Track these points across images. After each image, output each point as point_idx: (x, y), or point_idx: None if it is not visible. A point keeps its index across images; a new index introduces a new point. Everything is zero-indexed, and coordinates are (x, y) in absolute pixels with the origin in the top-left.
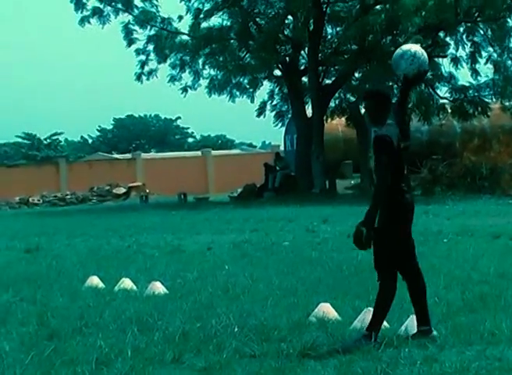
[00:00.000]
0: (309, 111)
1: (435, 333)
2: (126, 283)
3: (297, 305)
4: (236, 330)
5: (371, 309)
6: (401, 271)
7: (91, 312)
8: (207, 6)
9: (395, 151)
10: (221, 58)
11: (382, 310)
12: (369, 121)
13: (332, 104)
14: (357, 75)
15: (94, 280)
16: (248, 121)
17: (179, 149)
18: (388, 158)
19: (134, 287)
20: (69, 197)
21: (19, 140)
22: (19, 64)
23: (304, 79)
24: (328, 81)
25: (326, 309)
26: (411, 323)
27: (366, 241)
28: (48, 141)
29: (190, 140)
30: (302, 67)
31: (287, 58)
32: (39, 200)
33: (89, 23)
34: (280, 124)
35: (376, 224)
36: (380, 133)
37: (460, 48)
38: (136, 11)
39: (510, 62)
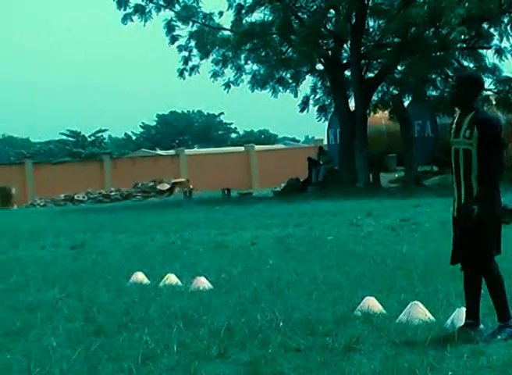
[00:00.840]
0: (352, 104)
1: (481, 326)
2: (171, 278)
3: (342, 299)
4: (281, 324)
5: (417, 303)
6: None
7: (137, 307)
8: (248, 2)
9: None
10: (263, 53)
11: (501, 294)
12: (460, 105)
13: (374, 97)
14: (399, 68)
15: (139, 276)
16: (291, 116)
17: (222, 145)
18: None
19: (179, 283)
20: (113, 193)
21: (64, 137)
22: (63, 63)
23: (347, 72)
24: (370, 74)
25: (371, 303)
26: (457, 316)
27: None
28: (92, 138)
29: (233, 135)
30: (344, 61)
31: (329, 52)
32: (84, 197)
33: (131, 20)
34: (323, 118)
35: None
36: (492, 116)
37: (505, 39)
38: (177, 7)
39: None
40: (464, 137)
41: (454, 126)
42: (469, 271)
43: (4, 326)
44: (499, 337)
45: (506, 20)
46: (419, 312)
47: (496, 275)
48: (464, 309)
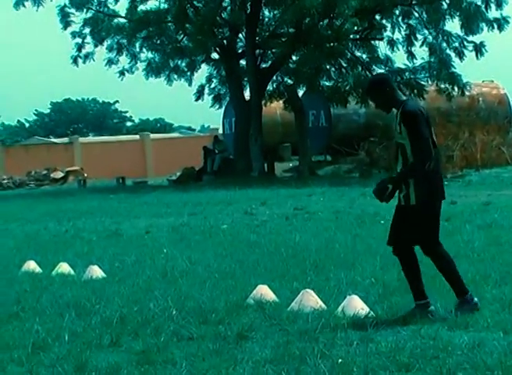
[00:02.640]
0: (247, 94)
1: (432, 307)
2: (64, 267)
3: (235, 288)
4: (174, 313)
5: (309, 291)
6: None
7: (28, 296)
8: None
9: (428, 124)
10: (158, 42)
11: (452, 273)
12: (387, 108)
13: (269, 87)
14: (294, 58)
15: (31, 265)
16: (187, 104)
17: (118, 133)
18: (427, 129)
19: (72, 272)
20: (6, 181)
21: None
22: None
23: (242, 62)
24: (265, 64)
25: (264, 291)
26: (348, 304)
27: (388, 196)
28: None
29: (129, 124)
30: (240, 50)
31: (225, 42)
32: None
33: (23, 5)
34: (218, 107)
35: (414, 200)
36: (410, 107)
37: (396, 30)
38: None
39: (444, 44)
40: (397, 132)
41: (394, 121)
42: (396, 253)
43: None
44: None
45: (397, 12)
46: (311, 299)
47: (440, 256)
48: (354, 297)
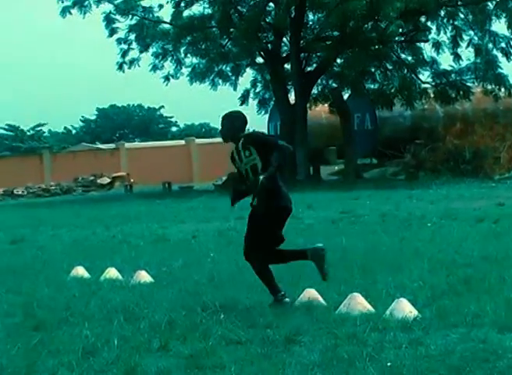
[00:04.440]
0: (292, 98)
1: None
2: (112, 272)
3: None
4: (221, 317)
5: (357, 294)
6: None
7: (77, 302)
8: None
9: None
10: (203, 47)
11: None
12: (232, 139)
13: (314, 90)
14: (339, 61)
15: (80, 271)
16: (231, 109)
17: (163, 138)
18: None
19: (120, 277)
20: (53, 188)
21: (3, 131)
22: (5, 62)
23: (287, 66)
24: (310, 68)
25: (312, 295)
26: (396, 307)
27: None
28: (32, 132)
29: (174, 129)
30: (284, 54)
31: (269, 46)
32: (23, 191)
33: (70, 13)
34: (263, 111)
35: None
36: (252, 132)
37: (442, 32)
38: (117, 0)
39: (490, 45)
40: (246, 156)
41: (236, 155)
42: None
43: None
44: None
45: (442, 13)
46: (358, 303)
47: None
48: (403, 300)
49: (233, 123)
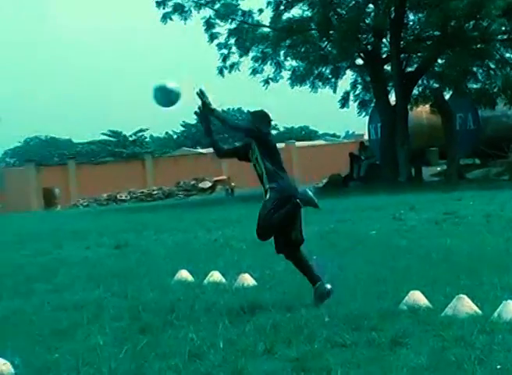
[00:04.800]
0: (392, 99)
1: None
2: (215, 276)
3: (387, 294)
4: (326, 319)
5: (463, 296)
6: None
7: (182, 305)
8: None
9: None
10: (302, 49)
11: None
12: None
13: (415, 91)
14: (440, 61)
15: (184, 274)
16: (331, 111)
17: None
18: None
19: (223, 280)
20: (155, 192)
21: (106, 137)
22: (108, 69)
23: (387, 67)
24: (410, 68)
25: (417, 297)
26: (504, 309)
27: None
28: (134, 137)
29: (274, 132)
30: (384, 55)
31: (369, 47)
32: (126, 196)
33: (171, 19)
34: (364, 113)
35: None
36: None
37: None
38: (217, 4)
39: None
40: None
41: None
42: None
43: (51, 325)
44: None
45: None
46: (465, 305)
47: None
48: (511, 302)
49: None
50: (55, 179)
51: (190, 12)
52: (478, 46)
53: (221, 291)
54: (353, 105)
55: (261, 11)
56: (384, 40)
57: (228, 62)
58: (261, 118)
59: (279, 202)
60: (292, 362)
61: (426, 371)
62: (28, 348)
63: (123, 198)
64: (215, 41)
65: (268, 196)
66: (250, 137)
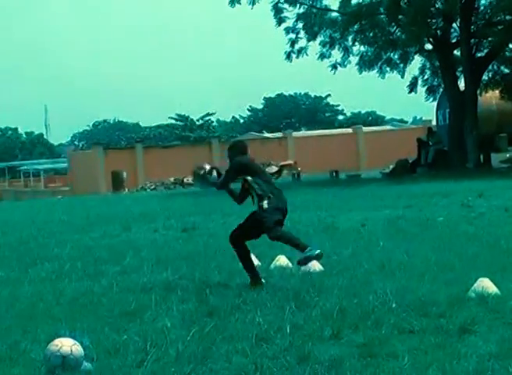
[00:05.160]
0: (462, 84)
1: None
2: (282, 260)
3: (455, 281)
4: (393, 305)
5: None
6: None
7: (249, 289)
8: None
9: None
10: (371, 34)
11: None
12: None
13: (485, 77)
14: (511, 46)
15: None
16: (398, 96)
17: (330, 127)
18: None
19: (290, 264)
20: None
21: (173, 121)
22: (174, 54)
23: (456, 52)
24: (480, 54)
25: (485, 284)
26: None
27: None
28: (201, 121)
29: (341, 117)
30: (454, 40)
31: (438, 32)
32: (193, 180)
33: (239, 3)
34: (432, 99)
35: None
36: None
37: None
38: None
39: None
40: None
41: None
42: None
43: (120, 306)
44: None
45: None
46: None
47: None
48: None
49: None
50: (123, 162)
51: None
52: None
53: (287, 276)
54: (421, 90)
55: None
56: (454, 24)
57: (296, 47)
58: (239, 149)
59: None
60: (359, 348)
61: (495, 359)
62: (97, 329)
63: (190, 181)
64: (283, 25)
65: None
66: (234, 177)
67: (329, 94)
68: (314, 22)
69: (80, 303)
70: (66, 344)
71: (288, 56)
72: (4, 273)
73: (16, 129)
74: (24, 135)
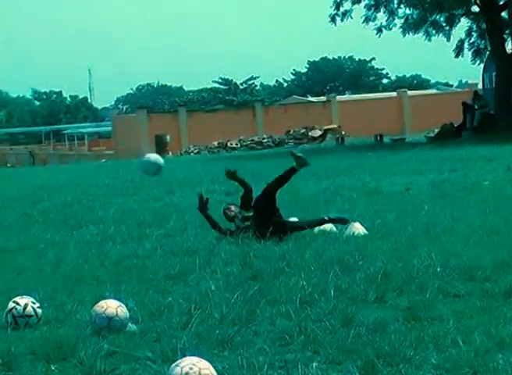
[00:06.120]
0: (509, 47)
1: None
2: (326, 224)
3: (501, 245)
4: (438, 269)
5: None
6: None
7: (292, 253)
8: None
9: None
10: None
11: None
12: None
13: None
14: None
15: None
16: (444, 60)
17: (374, 90)
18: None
19: (334, 229)
20: (265, 140)
21: (216, 85)
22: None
23: (504, 14)
24: None
25: None
26: None
27: None
28: (244, 85)
29: (385, 81)
30: (501, 2)
31: None
32: (237, 144)
33: None
34: (478, 62)
35: None
36: None
37: None
38: None
39: None
40: None
41: None
42: None
43: (164, 269)
44: None
45: None
46: None
47: None
48: None
49: None
50: (166, 126)
51: None
52: None
53: (331, 240)
54: (467, 53)
55: None
56: None
57: (340, 10)
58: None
59: None
60: (403, 312)
61: None
62: (142, 291)
63: (234, 145)
64: None
65: None
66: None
67: (374, 58)
68: None
69: (124, 266)
70: (112, 306)
71: (333, 19)
72: (49, 236)
73: (61, 92)
74: (68, 99)
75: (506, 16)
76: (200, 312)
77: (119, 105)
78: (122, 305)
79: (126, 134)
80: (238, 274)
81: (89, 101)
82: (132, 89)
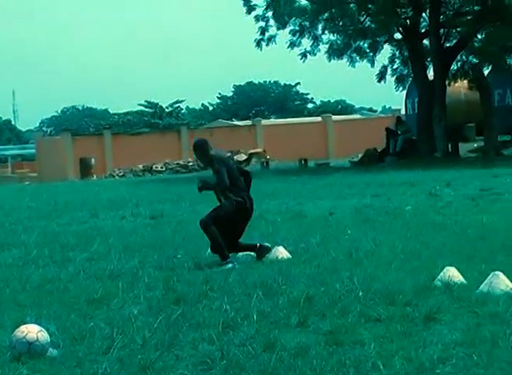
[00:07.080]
0: (430, 74)
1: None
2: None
3: (422, 269)
4: (360, 294)
5: (499, 273)
6: None
7: (216, 276)
8: None
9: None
10: (340, 23)
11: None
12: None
13: (453, 66)
14: (479, 36)
15: None
16: (368, 86)
17: (299, 115)
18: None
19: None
20: (191, 164)
21: (142, 108)
22: (141, 40)
23: (425, 42)
24: (449, 44)
25: (451, 273)
26: None
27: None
28: (170, 109)
29: (310, 105)
30: (423, 30)
31: (408, 21)
32: (162, 167)
33: None
34: (401, 88)
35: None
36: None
37: None
38: None
39: None
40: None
41: None
42: None
43: (86, 293)
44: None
45: None
46: (500, 282)
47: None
48: None
49: (201, 152)
50: (91, 149)
51: None
52: None
53: (255, 263)
54: (390, 79)
55: None
56: (423, 14)
57: (266, 35)
58: (206, 145)
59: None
60: (325, 336)
61: (460, 347)
62: (63, 315)
63: (159, 169)
64: (253, 13)
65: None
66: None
67: (299, 83)
68: (283, 10)
69: (46, 290)
70: (32, 331)
71: (258, 44)
72: None
73: None
74: None
75: (428, 44)
76: (122, 337)
77: (44, 128)
78: (43, 330)
79: (50, 157)
80: (161, 298)
81: (13, 123)
82: (57, 111)
